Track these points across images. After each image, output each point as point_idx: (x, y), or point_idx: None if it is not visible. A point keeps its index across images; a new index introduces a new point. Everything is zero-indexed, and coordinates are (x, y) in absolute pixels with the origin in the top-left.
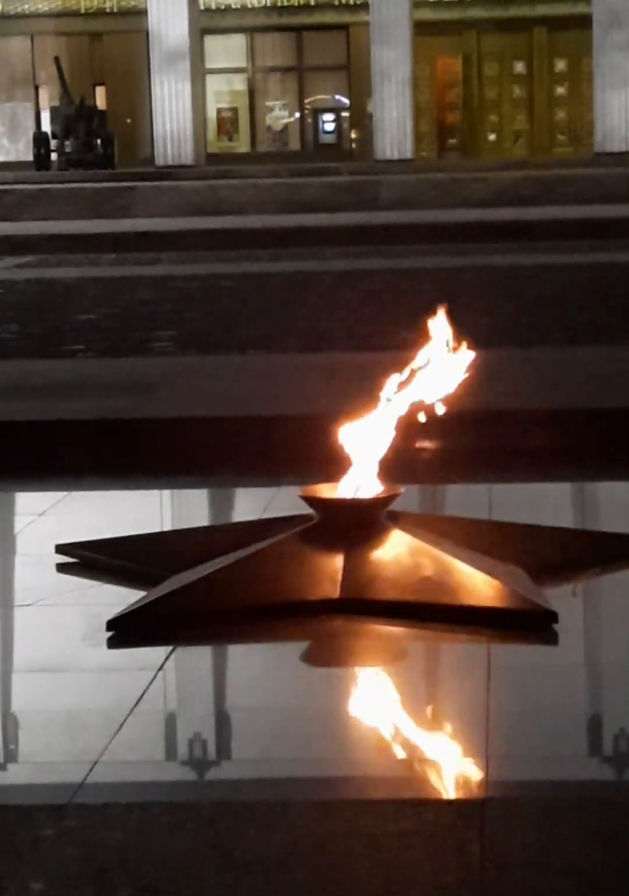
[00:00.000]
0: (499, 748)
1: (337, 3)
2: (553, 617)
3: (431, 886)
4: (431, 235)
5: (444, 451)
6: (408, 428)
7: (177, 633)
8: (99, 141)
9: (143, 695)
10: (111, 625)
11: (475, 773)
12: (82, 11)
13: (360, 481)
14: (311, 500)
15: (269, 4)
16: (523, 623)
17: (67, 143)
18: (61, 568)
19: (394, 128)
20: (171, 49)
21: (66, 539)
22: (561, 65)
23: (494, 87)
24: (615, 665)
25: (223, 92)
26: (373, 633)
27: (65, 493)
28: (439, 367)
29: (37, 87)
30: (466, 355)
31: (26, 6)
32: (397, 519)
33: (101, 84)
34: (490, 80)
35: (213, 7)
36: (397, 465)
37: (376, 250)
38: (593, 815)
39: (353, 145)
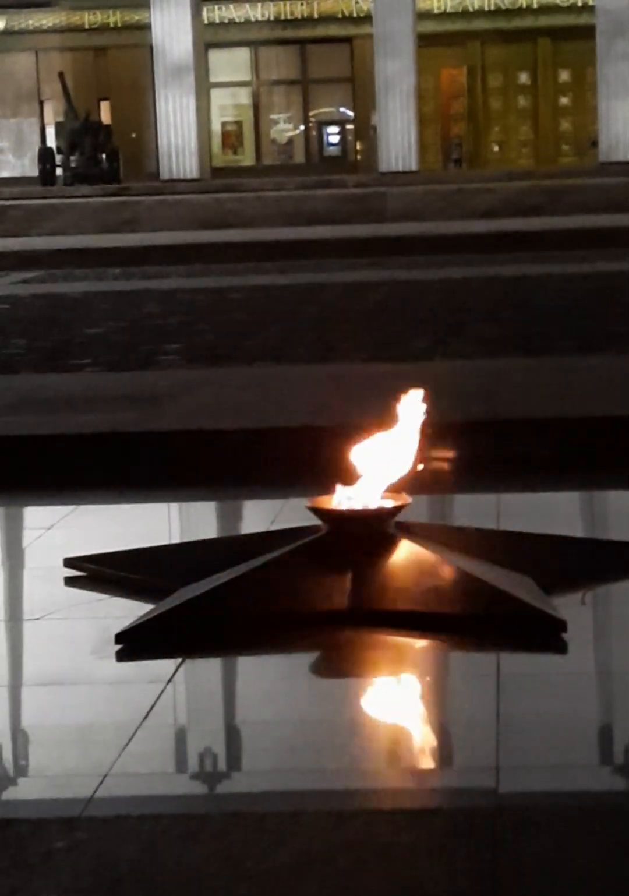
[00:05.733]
0: (510, 757)
1: (341, 15)
2: (562, 626)
3: None
4: (438, 246)
5: (453, 460)
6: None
7: (186, 645)
8: (104, 155)
9: (152, 707)
10: (120, 637)
11: (486, 783)
12: (86, 27)
13: (367, 492)
14: (320, 512)
15: (272, 18)
16: (532, 632)
17: (72, 157)
18: (70, 581)
19: (399, 139)
20: (176, 63)
21: (74, 552)
22: (565, 75)
23: (499, 97)
24: (625, 674)
25: (228, 105)
26: (382, 644)
27: (73, 507)
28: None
29: (42, 103)
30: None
31: (31, 22)
32: (406, 529)
33: (105, 99)
34: (494, 91)
35: (217, 21)
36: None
37: (383, 262)
38: (605, 823)
39: (358, 157)
